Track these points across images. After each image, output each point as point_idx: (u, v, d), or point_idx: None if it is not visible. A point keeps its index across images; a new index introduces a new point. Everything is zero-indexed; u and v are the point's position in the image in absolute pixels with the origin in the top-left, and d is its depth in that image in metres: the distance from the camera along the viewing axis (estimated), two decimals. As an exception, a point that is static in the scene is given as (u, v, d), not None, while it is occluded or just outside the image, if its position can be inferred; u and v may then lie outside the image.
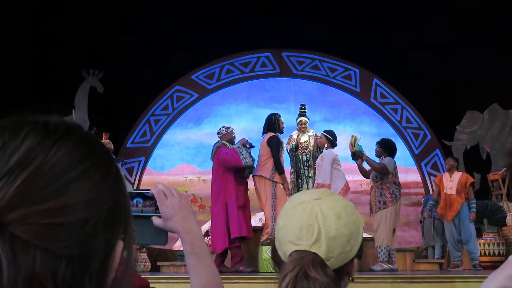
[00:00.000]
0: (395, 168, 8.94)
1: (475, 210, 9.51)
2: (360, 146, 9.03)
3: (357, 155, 8.99)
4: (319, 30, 13.94)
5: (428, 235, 11.66)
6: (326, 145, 9.37)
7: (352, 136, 9.26)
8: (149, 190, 1.56)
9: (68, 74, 13.42)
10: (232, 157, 8.45)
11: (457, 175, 9.68)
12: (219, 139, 8.87)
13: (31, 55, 13.23)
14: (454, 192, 9.52)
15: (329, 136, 9.34)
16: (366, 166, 9.13)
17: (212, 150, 8.83)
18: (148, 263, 10.13)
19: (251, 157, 8.66)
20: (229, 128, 9.01)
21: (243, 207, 8.51)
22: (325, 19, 13.75)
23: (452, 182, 9.62)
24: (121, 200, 0.75)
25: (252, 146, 8.92)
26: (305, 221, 1.38)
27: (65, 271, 0.67)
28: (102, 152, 0.76)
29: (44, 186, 0.67)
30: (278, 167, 8.72)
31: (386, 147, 9.08)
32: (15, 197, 0.66)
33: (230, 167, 8.48)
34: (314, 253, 1.35)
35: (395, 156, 9.20)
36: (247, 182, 8.84)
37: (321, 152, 9.51)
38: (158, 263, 9.81)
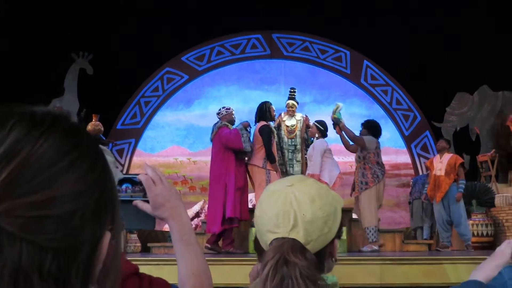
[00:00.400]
0: (377, 148, 8.88)
1: (462, 190, 9.54)
2: (340, 114, 9.02)
3: (335, 122, 8.98)
4: (310, 12, 13.88)
5: (417, 216, 11.73)
6: (316, 135, 9.35)
7: (336, 103, 9.23)
8: (137, 175, 1.54)
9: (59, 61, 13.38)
10: (235, 138, 8.39)
11: (447, 156, 9.71)
12: (219, 119, 8.79)
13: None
14: (443, 173, 9.55)
15: (320, 126, 9.31)
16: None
17: (213, 130, 8.72)
18: (139, 244, 10.14)
19: (250, 141, 8.60)
20: (229, 108, 8.92)
21: (242, 189, 8.48)
22: (316, 1, 13.69)
23: (441, 163, 9.65)
24: (108, 191, 0.75)
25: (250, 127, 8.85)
26: (281, 208, 1.39)
27: (51, 264, 0.67)
28: (89, 142, 0.75)
29: (30, 178, 0.67)
30: (270, 156, 8.68)
31: (370, 128, 9.04)
32: (1, 190, 0.65)
33: (231, 147, 8.43)
34: (293, 239, 1.36)
35: (380, 137, 9.13)
36: (247, 164, 8.80)
37: (311, 140, 9.50)
38: (149, 244, 9.83)
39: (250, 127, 8.82)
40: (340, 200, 1.49)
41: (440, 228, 9.63)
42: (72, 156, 0.71)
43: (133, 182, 1.43)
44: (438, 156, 9.89)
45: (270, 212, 1.41)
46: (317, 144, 9.19)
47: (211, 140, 8.74)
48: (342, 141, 9.13)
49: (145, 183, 1.50)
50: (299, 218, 1.37)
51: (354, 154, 9.16)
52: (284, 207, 1.39)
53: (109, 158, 1.38)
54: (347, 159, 12.71)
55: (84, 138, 0.75)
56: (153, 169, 1.53)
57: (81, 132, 0.75)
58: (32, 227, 0.66)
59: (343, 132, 8.97)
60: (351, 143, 9.05)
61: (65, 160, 0.70)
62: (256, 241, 1.50)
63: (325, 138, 9.39)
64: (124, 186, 1.42)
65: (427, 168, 10.35)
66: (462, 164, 9.69)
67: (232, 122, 8.76)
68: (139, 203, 1.52)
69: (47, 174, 0.68)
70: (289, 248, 1.34)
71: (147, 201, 1.52)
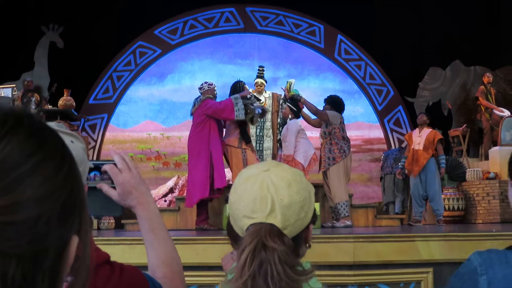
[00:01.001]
0: (342, 122, 8.86)
1: (444, 165, 9.65)
2: (296, 90, 8.98)
3: (295, 99, 8.93)
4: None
5: (389, 191, 11.83)
6: (290, 116, 9.33)
7: (287, 81, 9.16)
8: (105, 162, 1.51)
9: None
10: (226, 106, 8.21)
11: (426, 131, 9.78)
12: (200, 94, 8.64)
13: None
14: (421, 147, 9.63)
15: (293, 107, 9.26)
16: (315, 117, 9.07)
17: (194, 104, 8.53)
18: (113, 221, 10.10)
19: (248, 107, 8.33)
20: (211, 84, 8.76)
21: (222, 160, 8.42)
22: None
23: (420, 137, 9.72)
24: (76, 192, 0.72)
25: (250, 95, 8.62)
26: (258, 193, 1.37)
27: (15, 271, 0.64)
28: (54, 141, 0.72)
29: None
30: (245, 137, 8.61)
31: (333, 104, 8.99)
32: None
33: (221, 118, 8.27)
34: (271, 224, 1.34)
35: (343, 112, 9.06)
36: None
37: (284, 121, 9.51)
38: (123, 221, 9.77)
39: (250, 95, 8.60)
40: (312, 186, 1.48)
41: (414, 202, 9.71)
42: (37, 157, 0.68)
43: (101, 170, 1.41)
44: (417, 130, 9.96)
45: (246, 197, 1.39)
46: (291, 124, 9.18)
47: (192, 114, 8.57)
48: (302, 116, 9.11)
49: (110, 172, 1.47)
50: (277, 202, 1.36)
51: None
52: (261, 192, 1.37)
53: (80, 145, 1.34)
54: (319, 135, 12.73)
55: (49, 137, 0.72)
56: (120, 157, 1.49)
57: (45, 130, 0.72)
58: None
59: (303, 108, 8.96)
60: (312, 117, 9.04)
61: (29, 162, 0.67)
62: (229, 227, 1.47)
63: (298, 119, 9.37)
64: (92, 174, 1.39)
65: (400, 143, 10.42)
66: (440, 140, 9.77)
67: (214, 97, 8.63)
68: (104, 187, 1.48)
69: (11, 178, 0.65)
70: (267, 233, 1.32)
71: (115, 188, 1.49)
